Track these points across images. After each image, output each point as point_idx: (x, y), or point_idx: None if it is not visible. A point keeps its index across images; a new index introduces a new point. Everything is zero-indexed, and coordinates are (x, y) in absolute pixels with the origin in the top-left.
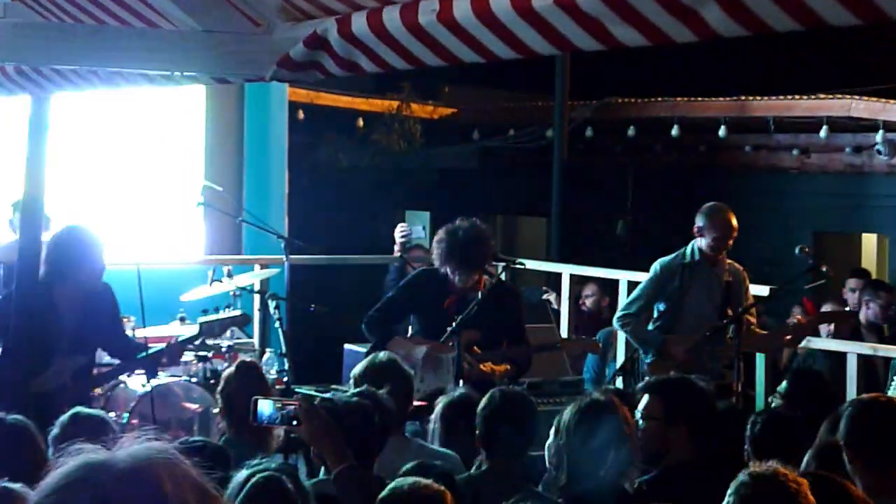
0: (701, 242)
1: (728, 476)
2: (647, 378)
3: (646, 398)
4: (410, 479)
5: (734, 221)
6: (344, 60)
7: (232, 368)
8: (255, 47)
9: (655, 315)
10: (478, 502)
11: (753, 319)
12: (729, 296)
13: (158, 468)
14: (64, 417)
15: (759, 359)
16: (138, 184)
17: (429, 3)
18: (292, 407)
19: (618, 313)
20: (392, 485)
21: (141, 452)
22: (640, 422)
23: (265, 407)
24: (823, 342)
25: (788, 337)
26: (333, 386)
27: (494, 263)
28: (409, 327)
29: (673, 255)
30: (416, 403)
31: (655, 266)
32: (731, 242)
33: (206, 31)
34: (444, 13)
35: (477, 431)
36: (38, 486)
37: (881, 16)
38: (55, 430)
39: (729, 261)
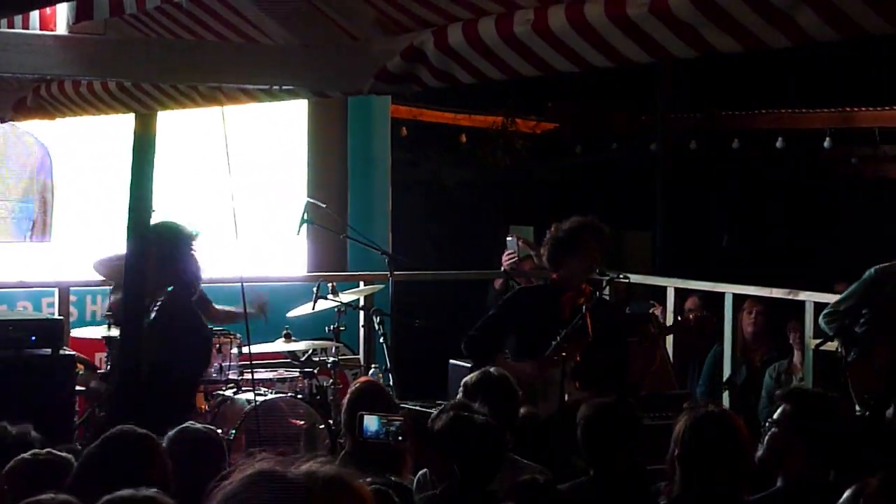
0: None
1: None
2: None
3: (781, 405)
4: None
5: None
6: (440, 72)
7: (361, 386)
8: (353, 61)
9: (862, 320)
10: None
11: None
12: None
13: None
14: (171, 433)
15: None
16: (242, 201)
17: (524, 14)
18: (398, 422)
19: (825, 310)
20: None
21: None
22: (767, 427)
23: (371, 422)
24: None
25: None
26: (439, 401)
27: (599, 277)
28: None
29: (891, 262)
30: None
31: (871, 269)
32: None
33: (305, 46)
34: (539, 23)
35: (580, 443)
36: None
37: None
38: (163, 445)
39: None
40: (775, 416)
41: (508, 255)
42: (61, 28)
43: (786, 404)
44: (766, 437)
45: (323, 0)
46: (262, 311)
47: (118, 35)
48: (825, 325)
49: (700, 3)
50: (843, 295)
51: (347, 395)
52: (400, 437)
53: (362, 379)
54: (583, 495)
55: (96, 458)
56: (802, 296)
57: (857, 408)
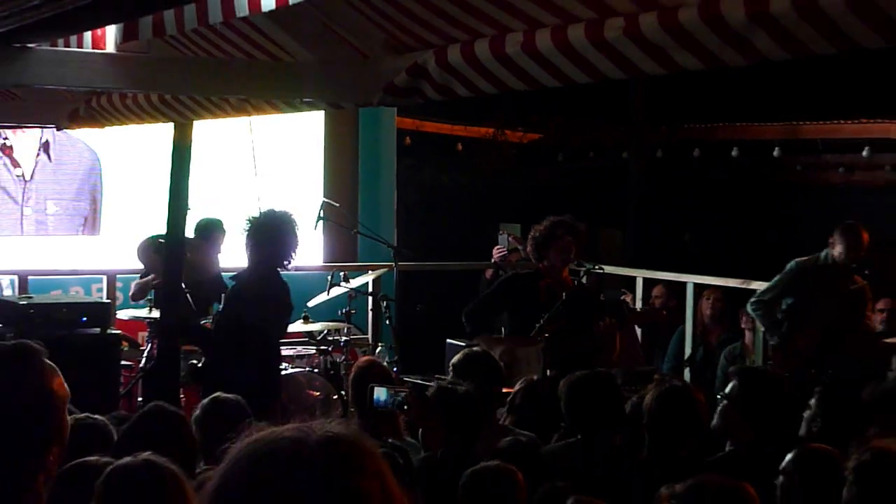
0: (832, 252)
1: None
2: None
3: (732, 381)
4: (494, 462)
5: (864, 237)
6: (441, 87)
7: (363, 364)
8: (364, 76)
9: (784, 307)
10: (565, 471)
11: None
12: (853, 303)
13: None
14: (206, 401)
15: None
16: (266, 200)
17: (514, 36)
18: (404, 394)
19: (751, 299)
20: (481, 465)
21: (335, 430)
22: (720, 400)
23: (381, 394)
24: None
25: None
26: (438, 376)
27: (577, 268)
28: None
29: (809, 256)
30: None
31: (792, 263)
32: (861, 255)
33: (322, 63)
34: (528, 44)
35: (562, 406)
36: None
37: None
38: (197, 413)
39: (859, 275)
40: (727, 390)
41: (498, 249)
42: (110, 47)
43: (735, 381)
44: (719, 409)
45: (338, 23)
46: None
47: (160, 53)
48: (751, 311)
49: (668, 27)
50: (767, 286)
51: (352, 373)
52: (405, 407)
53: (363, 358)
54: (567, 456)
55: (133, 430)
56: (754, 285)
57: None
